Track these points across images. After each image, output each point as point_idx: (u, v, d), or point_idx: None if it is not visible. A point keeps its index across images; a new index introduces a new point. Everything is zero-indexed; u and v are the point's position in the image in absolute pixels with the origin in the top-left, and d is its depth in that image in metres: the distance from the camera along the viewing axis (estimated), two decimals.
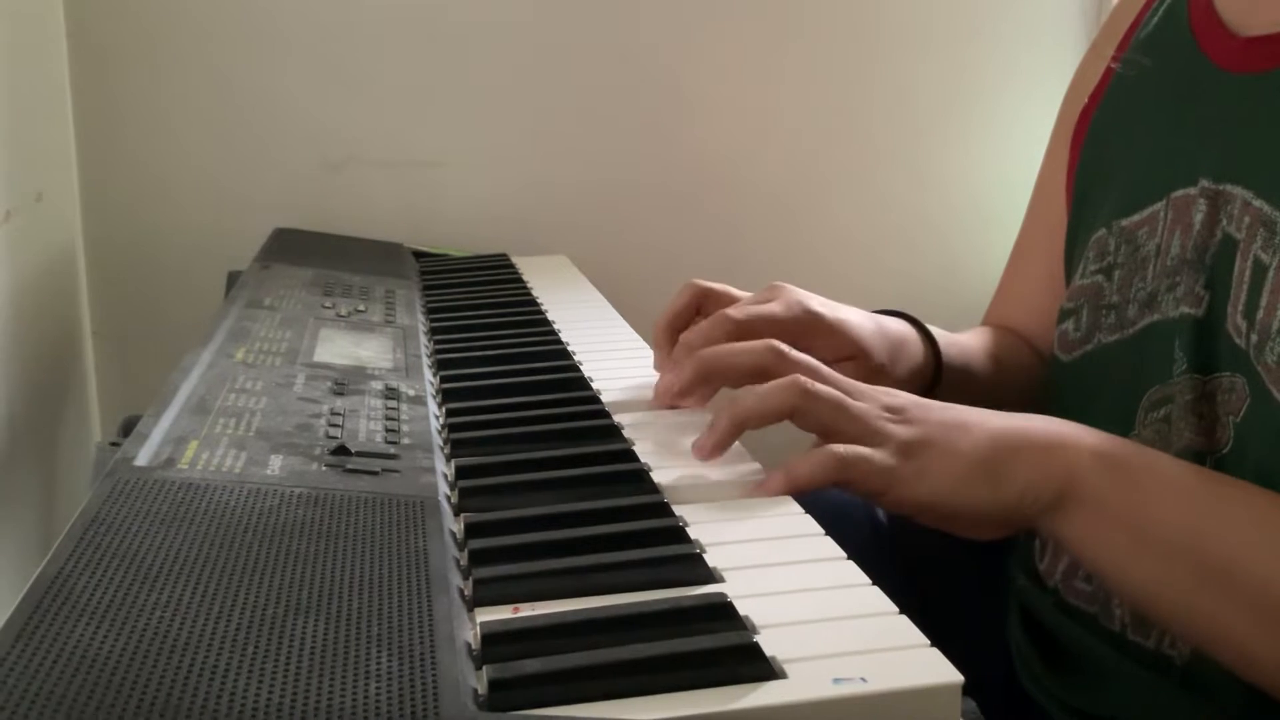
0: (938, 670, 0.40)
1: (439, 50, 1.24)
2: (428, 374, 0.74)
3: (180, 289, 1.21)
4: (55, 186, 1.15)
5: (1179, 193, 0.68)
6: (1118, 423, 0.67)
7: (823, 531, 0.51)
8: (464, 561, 0.48)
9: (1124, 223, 0.72)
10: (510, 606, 0.44)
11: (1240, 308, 0.62)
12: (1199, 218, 0.66)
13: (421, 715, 0.35)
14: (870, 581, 0.46)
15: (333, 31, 1.22)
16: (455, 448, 0.61)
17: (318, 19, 1.21)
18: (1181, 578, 0.54)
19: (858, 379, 0.61)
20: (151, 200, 1.22)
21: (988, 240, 1.29)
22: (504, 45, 1.25)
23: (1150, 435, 0.66)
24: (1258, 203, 0.62)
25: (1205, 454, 0.63)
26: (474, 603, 0.44)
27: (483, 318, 0.89)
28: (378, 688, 0.36)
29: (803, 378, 0.58)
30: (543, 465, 0.57)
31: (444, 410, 0.67)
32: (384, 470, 0.55)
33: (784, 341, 0.63)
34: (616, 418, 0.66)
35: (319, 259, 1.03)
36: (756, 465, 0.59)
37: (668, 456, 0.60)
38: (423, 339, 0.83)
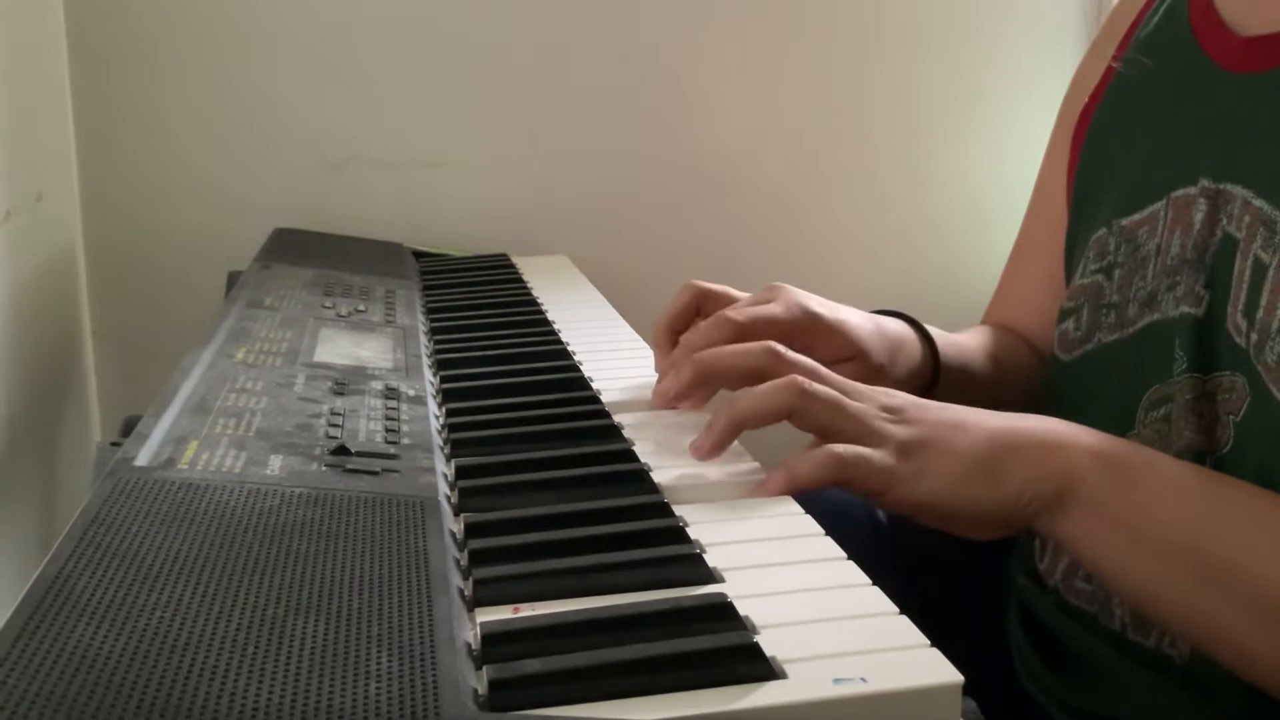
0: (937, 670, 0.40)
1: (439, 50, 1.24)
2: (428, 374, 0.74)
3: (180, 289, 1.21)
4: (55, 186, 1.15)
5: (1179, 192, 0.68)
6: (1118, 422, 0.67)
7: (823, 531, 0.51)
8: (464, 561, 0.48)
9: (1124, 222, 0.72)
10: (510, 607, 0.44)
11: (1240, 307, 0.62)
12: (1199, 217, 0.66)
13: (422, 715, 0.35)
14: (870, 581, 0.46)
15: (333, 31, 1.22)
16: (455, 448, 0.61)
17: (318, 19, 1.21)
18: (1181, 578, 0.54)
19: (857, 380, 0.61)
20: (151, 200, 1.22)
21: (988, 240, 1.29)
22: (504, 45, 1.25)
23: (1150, 435, 0.66)
24: (1258, 202, 0.62)
25: (1205, 453, 0.63)
26: (474, 603, 0.44)
27: (483, 318, 0.89)
28: (378, 688, 0.36)
29: (800, 378, 0.58)
30: (543, 465, 0.57)
31: (444, 410, 0.67)
32: (384, 470, 0.55)
33: (783, 343, 0.63)
34: (616, 418, 0.66)
35: (319, 259, 1.03)
36: (756, 465, 0.59)
37: (668, 456, 0.60)
38: (423, 339, 0.83)
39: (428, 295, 0.97)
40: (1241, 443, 0.61)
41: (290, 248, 1.07)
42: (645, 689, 0.38)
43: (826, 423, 0.58)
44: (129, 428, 0.58)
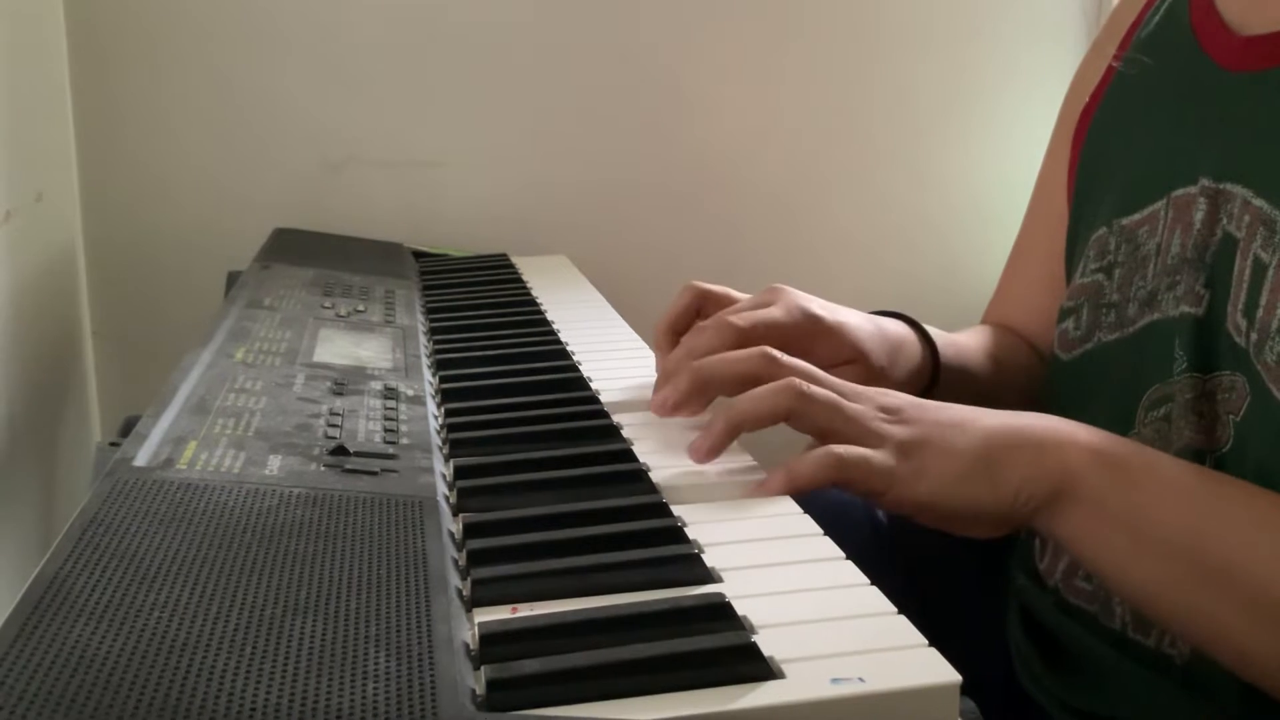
0: (936, 670, 0.40)
1: (439, 50, 1.24)
2: (427, 374, 0.74)
3: (180, 289, 1.21)
4: (55, 186, 1.15)
5: (1179, 192, 0.68)
6: (1118, 421, 0.67)
7: (821, 531, 0.51)
8: (462, 562, 0.48)
9: (1124, 221, 0.72)
10: (509, 607, 0.44)
11: (1240, 306, 0.62)
12: (1199, 216, 0.66)
13: (420, 716, 0.35)
14: (869, 581, 0.46)
15: (333, 31, 1.22)
16: (454, 448, 0.61)
17: (318, 19, 1.21)
18: (1181, 578, 0.54)
19: (858, 382, 0.61)
20: (151, 200, 1.22)
21: (988, 240, 1.29)
22: (504, 45, 1.25)
23: (1150, 434, 0.66)
24: (1258, 202, 0.62)
25: (1205, 453, 0.63)
26: (472, 603, 0.44)
27: (482, 318, 0.89)
28: (376, 688, 0.36)
29: (798, 380, 0.58)
30: (541, 465, 0.57)
31: (443, 410, 0.67)
32: (383, 470, 0.55)
33: (784, 346, 0.63)
34: (615, 418, 0.66)
35: (319, 259, 1.03)
36: (755, 465, 0.59)
37: (666, 456, 0.60)
38: (422, 339, 0.83)
39: (427, 295, 0.97)
40: (1241, 442, 0.61)
41: (290, 248, 1.07)
42: (643, 689, 0.38)
43: (825, 424, 0.58)
44: (128, 428, 0.58)
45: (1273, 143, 0.63)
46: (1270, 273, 0.60)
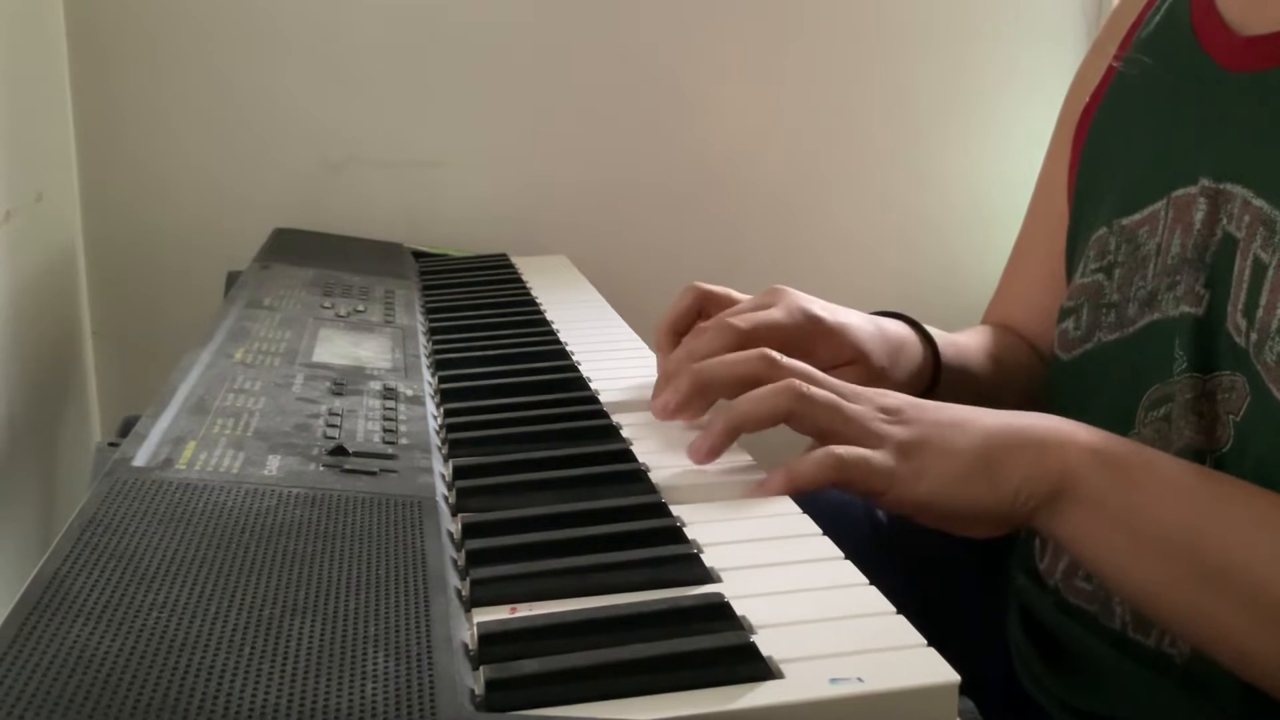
0: (934, 670, 0.40)
1: (439, 50, 1.24)
2: (426, 374, 0.74)
3: (180, 289, 1.21)
4: (55, 186, 1.15)
5: (1179, 192, 0.68)
6: (1118, 421, 0.67)
7: (820, 531, 0.51)
8: (461, 562, 0.47)
9: (1124, 221, 0.72)
10: (508, 607, 0.44)
11: (1240, 306, 0.62)
12: (1199, 217, 0.66)
13: (419, 716, 0.35)
14: (867, 581, 0.46)
15: (333, 31, 1.22)
16: (453, 448, 0.61)
17: (318, 19, 1.21)
18: (1180, 578, 0.54)
19: (859, 383, 0.61)
20: (151, 200, 1.22)
21: (988, 240, 1.29)
22: (504, 45, 1.25)
23: (1150, 434, 0.66)
24: (1258, 202, 0.62)
25: (1205, 453, 0.63)
26: (471, 603, 0.44)
27: (482, 318, 0.89)
28: (374, 688, 0.36)
29: (798, 382, 0.58)
30: (541, 465, 0.57)
31: (442, 410, 0.67)
32: (382, 470, 0.55)
33: (785, 347, 0.63)
34: (615, 418, 0.65)
35: (319, 259, 1.03)
36: (755, 465, 0.59)
37: (666, 456, 0.60)
38: (421, 339, 0.83)
39: (427, 295, 0.97)
40: (1241, 442, 0.61)
41: (290, 248, 1.07)
42: (642, 689, 0.38)
43: (825, 425, 0.58)
44: (127, 428, 0.58)
45: (1273, 143, 0.63)
46: (1270, 273, 0.60)
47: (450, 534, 0.50)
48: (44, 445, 1.07)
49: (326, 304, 0.87)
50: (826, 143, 1.35)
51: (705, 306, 0.75)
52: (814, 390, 0.58)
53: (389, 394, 0.67)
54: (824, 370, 0.62)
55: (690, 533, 0.50)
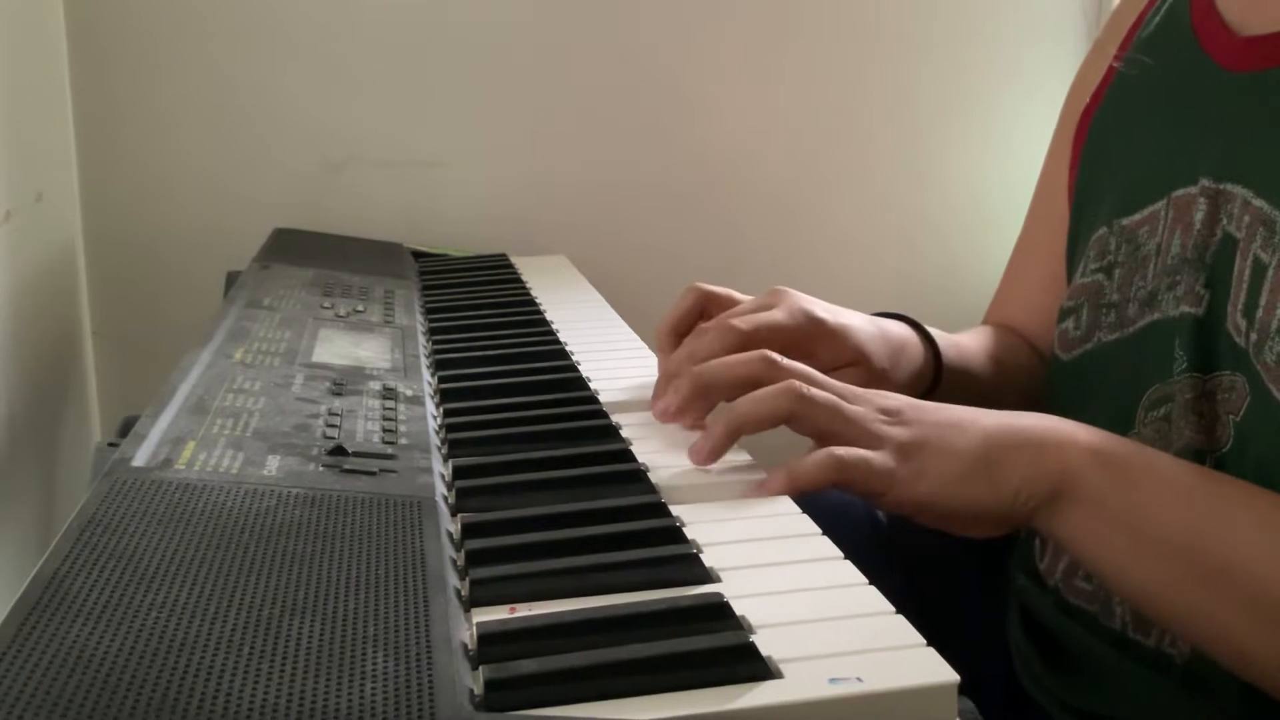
0: (934, 670, 0.40)
1: (439, 50, 1.24)
2: (426, 374, 0.74)
3: (180, 289, 1.21)
4: (55, 186, 1.15)
5: (1179, 192, 0.68)
6: (1118, 421, 0.67)
7: (819, 531, 0.51)
8: (461, 562, 0.47)
9: (1125, 221, 0.72)
10: (507, 607, 0.44)
11: (1240, 306, 0.62)
12: (1199, 217, 0.66)
13: (418, 716, 0.35)
14: (867, 581, 0.46)
15: (333, 31, 1.22)
16: (453, 448, 0.61)
17: (318, 19, 1.21)
18: (1181, 578, 0.54)
19: (860, 384, 0.61)
20: (151, 200, 1.22)
21: (988, 240, 1.29)
22: (504, 45, 1.25)
23: (1150, 434, 0.66)
24: (1258, 202, 0.62)
25: (1205, 453, 0.63)
26: (471, 603, 0.44)
27: (481, 318, 0.89)
28: (374, 688, 0.36)
29: (798, 383, 0.58)
30: (540, 465, 0.57)
31: (442, 410, 0.67)
32: (381, 470, 0.55)
33: (787, 349, 0.63)
34: (615, 418, 0.65)
35: (319, 259, 1.03)
36: (755, 465, 0.59)
37: (665, 456, 0.60)
38: (421, 339, 0.83)
39: (427, 295, 0.97)
40: (1241, 442, 0.61)
41: (290, 248, 1.07)
42: (642, 689, 0.38)
43: (825, 426, 0.58)
44: (127, 428, 0.58)
45: (1273, 143, 0.63)
46: (1270, 273, 0.60)
47: (450, 534, 0.50)
48: (44, 445, 1.07)
49: (326, 304, 0.87)
50: (826, 143, 1.35)
51: (707, 307, 0.75)
52: (814, 392, 0.58)
53: (388, 394, 0.67)
54: (825, 372, 0.63)
55: (690, 533, 0.50)
